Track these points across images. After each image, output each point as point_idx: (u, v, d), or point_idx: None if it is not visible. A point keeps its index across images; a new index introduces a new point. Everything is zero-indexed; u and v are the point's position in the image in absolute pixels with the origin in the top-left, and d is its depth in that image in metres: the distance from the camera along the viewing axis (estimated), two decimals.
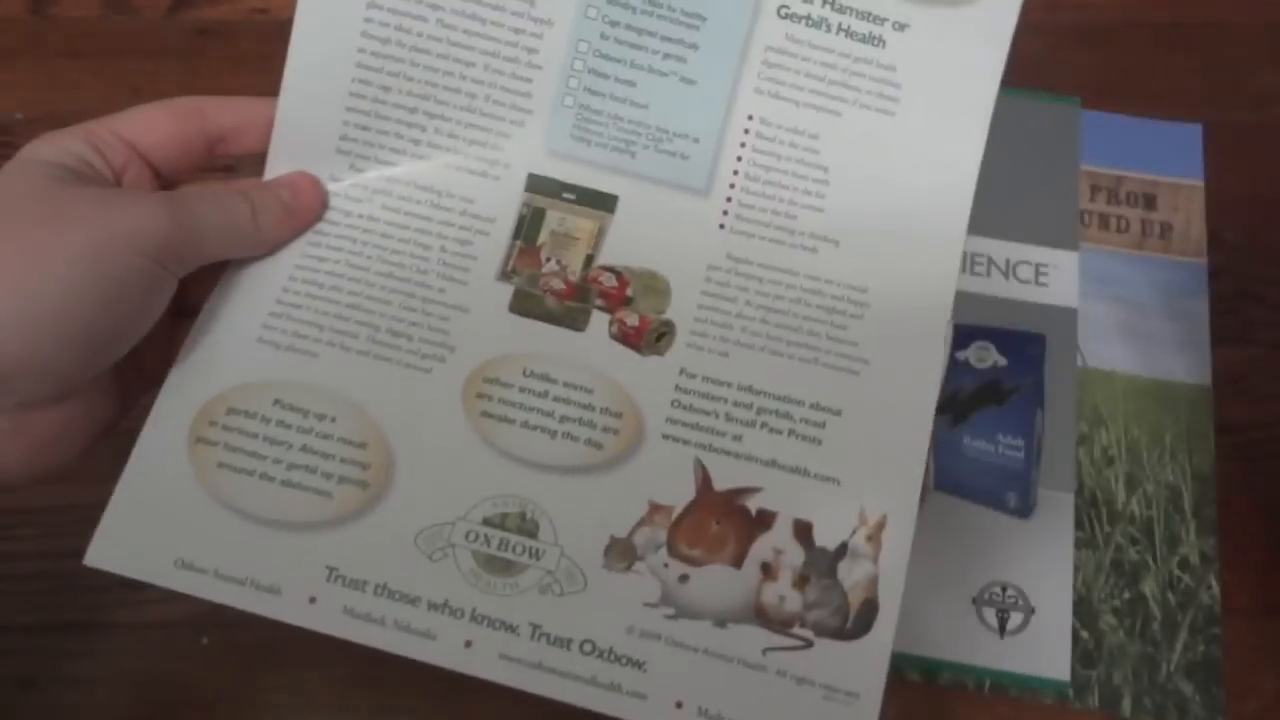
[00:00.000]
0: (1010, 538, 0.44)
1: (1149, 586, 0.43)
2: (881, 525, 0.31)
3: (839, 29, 0.34)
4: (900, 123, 0.34)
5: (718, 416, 0.32)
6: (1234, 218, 0.50)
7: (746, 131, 0.34)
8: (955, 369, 0.46)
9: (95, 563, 0.30)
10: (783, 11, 0.34)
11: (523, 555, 0.30)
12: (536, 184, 0.34)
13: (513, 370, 0.32)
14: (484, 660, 0.29)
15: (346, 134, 0.34)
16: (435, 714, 0.41)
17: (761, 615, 0.30)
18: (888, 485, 0.32)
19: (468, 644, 0.29)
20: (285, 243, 0.33)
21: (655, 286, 0.34)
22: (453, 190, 0.34)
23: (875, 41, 0.34)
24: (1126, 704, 0.41)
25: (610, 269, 0.34)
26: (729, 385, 0.33)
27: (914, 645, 0.42)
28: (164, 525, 0.30)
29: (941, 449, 0.45)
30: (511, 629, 0.29)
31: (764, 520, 0.31)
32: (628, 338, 0.33)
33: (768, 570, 0.31)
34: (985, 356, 0.47)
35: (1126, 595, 0.43)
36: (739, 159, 0.34)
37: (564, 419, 0.32)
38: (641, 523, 0.31)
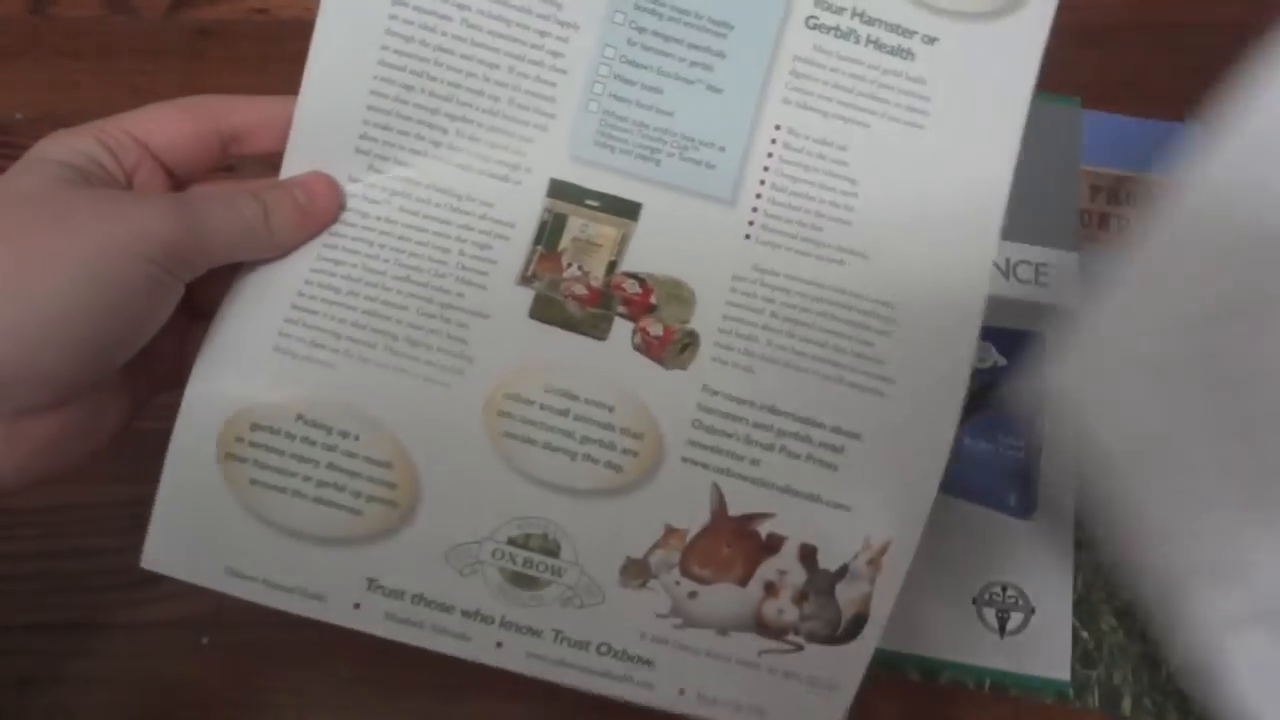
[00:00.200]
0: (1011, 538, 0.44)
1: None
2: (884, 550, 0.32)
3: (868, 41, 0.34)
4: (930, 136, 0.33)
5: (738, 439, 0.32)
6: None
7: (774, 141, 0.34)
8: None
9: (153, 566, 0.31)
10: (811, 22, 0.33)
11: (545, 572, 0.32)
12: (559, 189, 0.34)
13: (534, 387, 0.32)
14: (514, 658, 0.32)
15: (367, 133, 0.33)
16: (435, 714, 0.41)
17: (761, 625, 0.32)
18: (896, 513, 0.32)
19: (499, 644, 0.32)
20: (299, 245, 0.33)
21: (680, 295, 0.33)
22: (473, 194, 0.33)
23: (904, 54, 0.33)
24: (1126, 704, 0.41)
25: (634, 275, 0.33)
26: (751, 405, 0.32)
27: (914, 645, 0.42)
28: (209, 536, 0.31)
29: None
30: (537, 633, 0.32)
31: (773, 544, 0.32)
32: (651, 348, 0.33)
33: (770, 588, 0.32)
34: (985, 356, 0.47)
35: (1127, 595, 0.43)
36: (766, 169, 0.34)
37: (584, 439, 0.32)
38: (657, 545, 0.32)
